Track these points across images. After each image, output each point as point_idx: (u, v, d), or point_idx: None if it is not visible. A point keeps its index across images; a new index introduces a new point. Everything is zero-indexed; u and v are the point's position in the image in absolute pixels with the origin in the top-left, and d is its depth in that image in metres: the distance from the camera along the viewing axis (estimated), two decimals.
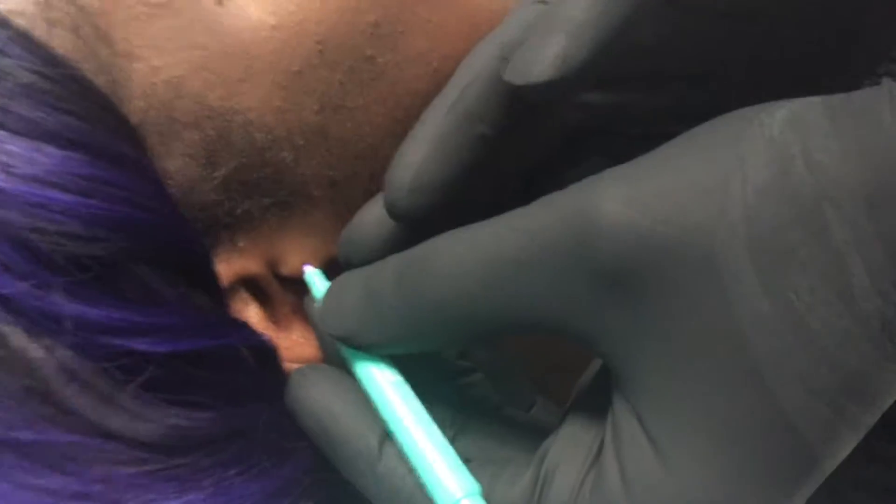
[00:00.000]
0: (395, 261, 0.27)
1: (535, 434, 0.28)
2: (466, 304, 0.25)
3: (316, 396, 0.28)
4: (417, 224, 0.27)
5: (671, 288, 0.22)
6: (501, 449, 0.29)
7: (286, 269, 0.32)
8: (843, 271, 0.21)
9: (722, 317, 0.22)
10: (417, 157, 0.27)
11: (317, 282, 0.31)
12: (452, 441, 0.29)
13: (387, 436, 0.27)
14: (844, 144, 0.21)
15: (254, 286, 0.32)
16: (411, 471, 0.26)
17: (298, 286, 0.33)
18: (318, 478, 0.29)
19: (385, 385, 0.28)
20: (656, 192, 0.23)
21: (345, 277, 0.29)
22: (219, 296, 0.31)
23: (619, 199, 0.23)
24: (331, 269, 0.32)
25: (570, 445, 0.26)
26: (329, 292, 0.29)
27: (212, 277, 0.30)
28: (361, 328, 0.27)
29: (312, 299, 0.31)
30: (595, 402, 0.27)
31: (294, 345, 0.33)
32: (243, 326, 0.30)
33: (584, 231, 0.23)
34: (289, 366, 0.32)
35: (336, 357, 0.30)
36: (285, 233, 0.32)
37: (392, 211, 0.27)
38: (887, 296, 0.21)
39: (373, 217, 0.29)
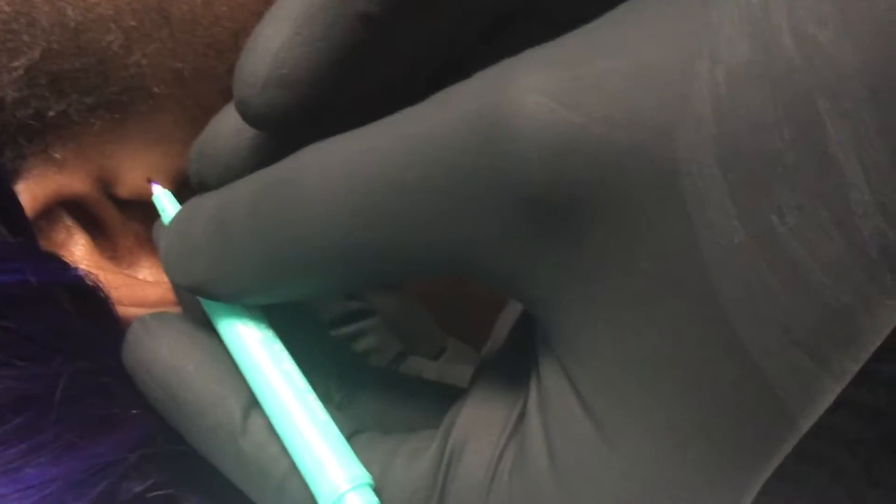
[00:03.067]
0: (250, 184, 0.21)
1: (444, 394, 0.24)
2: (340, 241, 0.19)
3: (163, 354, 0.23)
4: (282, 131, 0.22)
5: (613, 211, 0.18)
6: (402, 415, 0.24)
7: (124, 189, 0.27)
8: (840, 183, 0.17)
9: (682, 250, 0.17)
10: (276, 42, 0.21)
11: (168, 207, 0.25)
12: (339, 408, 0.24)
13: (254, 404, 0.22)
14: (846, 12, 0.17)
15: (81, 211, 0.27)
16: (284, 450, 0.21)
17: (145, 211, 0.27)
18: (153, 453, 0.23)
19: (250, 343, 0.22)
20: (593, 79, 0.18)
21: (192, 205, 0.23)
22: (19, 221, 0.24)
23: (541, 90, 0.18)
24: (186, 190, 0.27)
25: (482, 413, 0.21)
26: (171, 226, 0.23)
27: (8, 197, 0.24)
28: (213, 275, 0.22)
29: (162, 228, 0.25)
30: (514, 357, 0.22)
31: (140, 285, 0.27)
32: (47, 258, 0.24)
33: (494, 137, 0.18)
34: (131, 311, 0.27)
35: (197, 308, 0.24)
36: (120, 142, 0.27)
37: (244, 112, 0.22)
38: (890, 213, 0.17)
39: (230, 125, 0.23)
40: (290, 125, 0.22)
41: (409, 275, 0.20)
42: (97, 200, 0.27)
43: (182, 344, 0.23)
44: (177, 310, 0.26)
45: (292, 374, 0.22)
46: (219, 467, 0.22)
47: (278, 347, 0.22)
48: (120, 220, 0.27)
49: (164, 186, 0.26)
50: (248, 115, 0.22)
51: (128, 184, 0.27)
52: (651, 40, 0.17)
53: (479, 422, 0.21)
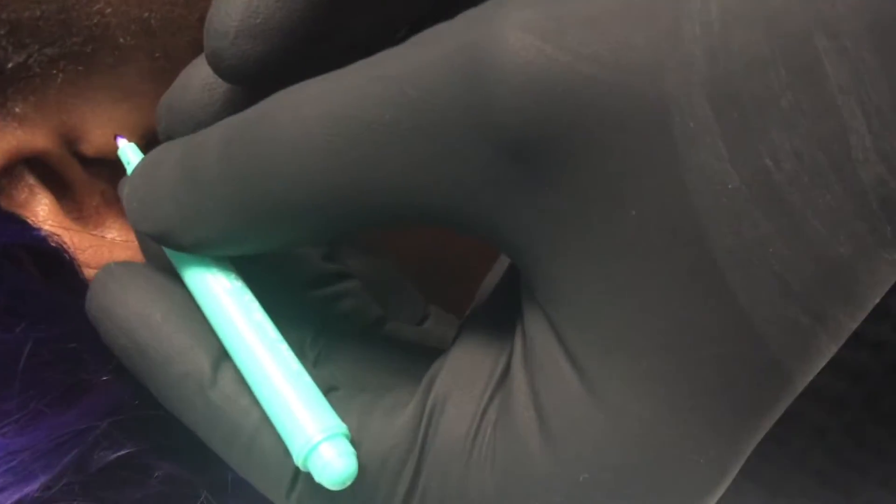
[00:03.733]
0: (221, 128, 0.20)
1: (424, 355, 0.23)
2: (316, 186, 0.19)
3: (129, 302, 0.22)
4: (256, 84, 0.21)
5: (601, 156, 0.17)
6: (379, 374, 0.23)
7: (90, 147, 0.26)
8: (839, 127, 0.16)
9: (672, 195, 0.17)
10: None
11: (134, 161, 0.24)
12: (314, 365, 0.23)
13: (224, 355, 0.21)
14: None
15: (44, 169, 0.26)
16: (255, 402, 0.21)
17: (111, 169, 0.26)
18: (124, 421, 0.22)
19: (219, 293, 0.21)
20: (580, 16, 0.17)
21: (158, 151, 0.22)
22: None
23: (525, 27, 0.17)
24: (155, 141, 0.25)
25: (465, 367, 0.21)
26: (136, 172, 0.22)
27: None
28: (180, 222, 0.21)
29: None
30: (499, 311, 0.21)
31: (108, 247, 0.27)
32: (8, 219, 0.24)
33: (475, 75, 0.17)
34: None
35: (162, 259, 0.23)
36: (84, 96, 0.25)
37: (216, 65, 0.21)
38: (892, 160, 0.16)
39: (201, 78, 0.22)
40: (264, 78, 0.21)
41: (385, 223, 0.20)
42: (61, 158, 0.26)
43: (149, 292, 0.22)
44: None
45: (263, 324, 0.21)
46: (184, 420, 0.22)
47: (248, 298, 0.21)
48: (85, 179, 0.26)
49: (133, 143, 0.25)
50: (219, 68, 0.21)
51: (93, 141, 0.26)
52: None
53: (462, 376, 0.20)
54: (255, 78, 0.21)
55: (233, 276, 0.22)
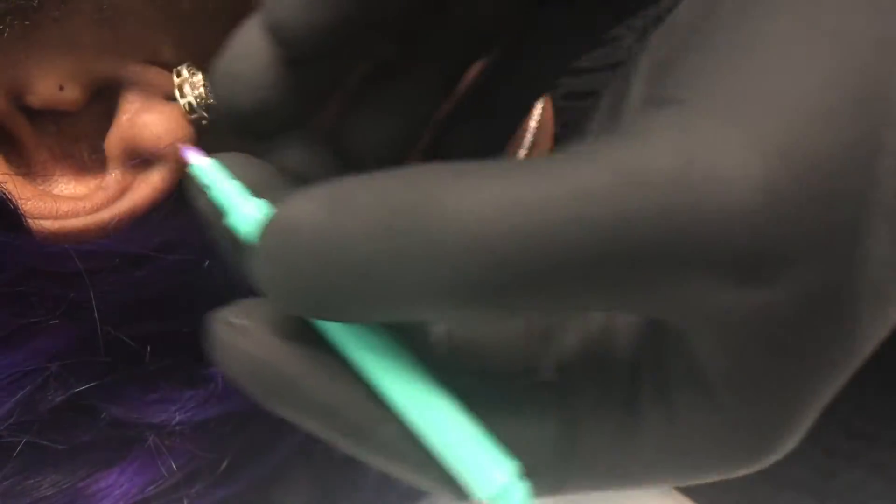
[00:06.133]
0: (374, 201, 0.17)
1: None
2: (482, 287, 0.17)
3: (278, 366, 0.19)
4: (315, 54, 0.20)
5: (794, 271, 0.16)
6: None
7: (35, 98, 0.25)
8: None
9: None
10: None
11: (221, 184, 0.20)
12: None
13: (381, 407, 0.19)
14: None
15: None
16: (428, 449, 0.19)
17: (58, 123, 0.26)
18: (75, 364, 0.22)
19: (372, 345, 0.19)
20: (786, 128, 0.16)
21: (293, 211, 0.17)
22: None
23: (739, 143, 0.15)
24: (101, 98, 0.26)
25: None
26: (268, 247, 0.17)
27: None
28: (336, 299, 0.18)
29: (203, 192, 0.20)
30: None
31: (52, 198, 0.26)
32: None
33: (688, 206, 0.15)
34: (42, 224, 0.26)
35: (226, 234, 0.20)
36: (30, 50, 0.25)
37: (281, 35, 0.19)
38: None
39: (257, 45, 0.20)
40: (324, 49, 0.20)
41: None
42: (8, 113, 0.25)
43: (297, 353, 0.19)
44: (94, 218, 0.25)
45: (419, 375, 0.19)
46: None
47: (400, 350, 0.20)
48: (32, 134, 0.26)
49: (78, 93, 0.25)
50: (285, 39, 0.20)
51: (39, 92, 0.25)
52: (815, 72, 0.16)
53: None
54: (317, 48, 0.19)
55: (377, 329, 0.20)
